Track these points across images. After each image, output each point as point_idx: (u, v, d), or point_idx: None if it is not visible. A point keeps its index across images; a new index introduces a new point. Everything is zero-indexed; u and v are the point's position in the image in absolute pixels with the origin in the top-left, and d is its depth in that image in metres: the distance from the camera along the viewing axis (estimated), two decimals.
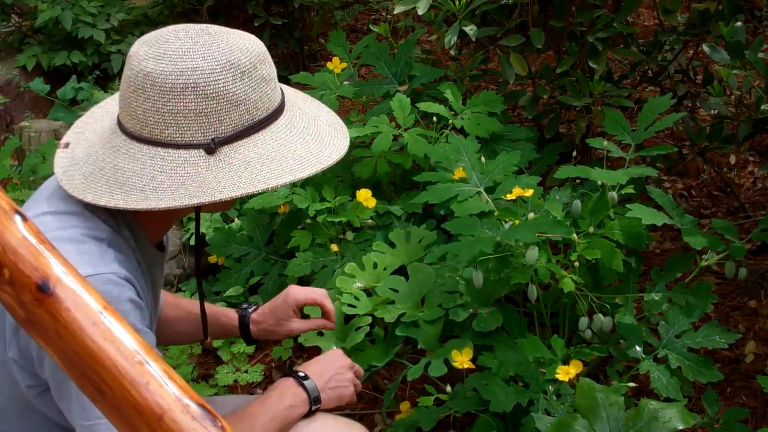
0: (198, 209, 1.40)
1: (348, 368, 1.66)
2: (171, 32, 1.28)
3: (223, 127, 1.24)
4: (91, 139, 1.34)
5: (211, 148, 1.23)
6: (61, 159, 1.33)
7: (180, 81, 1.22)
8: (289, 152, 1.28)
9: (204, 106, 1.23)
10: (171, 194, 1.22)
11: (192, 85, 1.22)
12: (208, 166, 1.23)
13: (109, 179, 1.25)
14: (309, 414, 1.55)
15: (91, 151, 1.31)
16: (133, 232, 1.34)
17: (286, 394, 1.53)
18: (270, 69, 1.32)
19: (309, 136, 1.33)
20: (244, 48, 1.27)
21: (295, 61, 4.79)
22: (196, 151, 1.24)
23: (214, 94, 1.23)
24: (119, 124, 1.30)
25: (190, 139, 1.24)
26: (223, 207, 1.45)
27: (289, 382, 1.56)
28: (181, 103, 1.22)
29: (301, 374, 1.56)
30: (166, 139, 1.24)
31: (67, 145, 1.36)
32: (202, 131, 1.24)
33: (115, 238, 1.28)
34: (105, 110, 1.40)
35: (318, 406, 1.55)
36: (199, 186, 1.22)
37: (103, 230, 1.27)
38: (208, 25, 1.31)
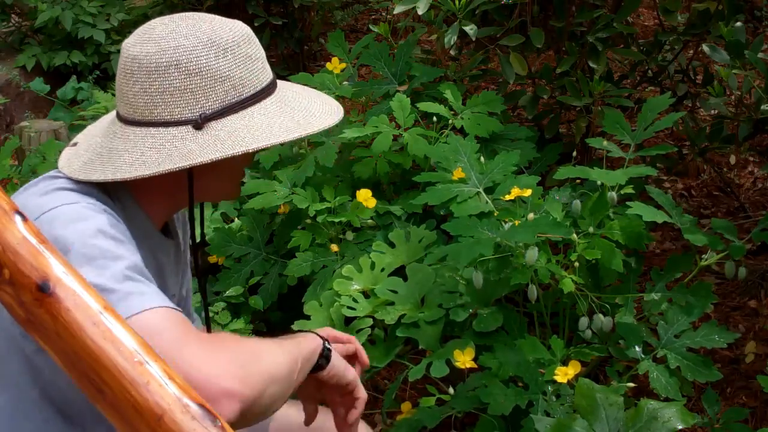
0: (191, 181, 1.35)
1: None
2: (158, 20, 1.34)
3: (210, 104, 1.27)
4: (94, 134, 1.39)
5: (199, 123, 1.26)
6: (65, 154, 1.38)
7: (164, 60, 1.26)
8: (276, 123, 1.30)
9: (188, 83, 1.26)
10: (157, 165, 1.24)
11: (175, 62, 1.26)
12: (195, 138, 1.26)
13: (104, 161, 1.29)
14: (325, 357, 1.37)
15: (92, 141, 1.36)
16: (129, 212, 1.34)
17: (291, 336, 1.37)
18: (256, 49, 1.34)
19: (299, 112, 1.34)
20: (226, 27, 1.31)
21: (295, 61, 4.79)
22: (184, 127, 1.27)
23: (197, 70, 1.26)
24: (117, 114, 1.35)
25: (179, 116, 1.27)
26: (220, 189, 1.42)
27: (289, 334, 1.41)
28: (167, 81, 1.26)
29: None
30: (156, 118, 1.28)
31: (74, 144, 1.40)
32: (190, 108, 1.27)
33: (104, 198, 1.29)
34: (113, 113, 1.42)
35: (332, 348, 1.39)
36: (183, 154, 1.25)
37: (91, 189, 1.28)
38: (196, 12, 1.35)
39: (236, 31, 1.32)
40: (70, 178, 1.29)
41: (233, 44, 1.30)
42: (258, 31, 4.73)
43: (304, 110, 1.35)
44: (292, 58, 4.79)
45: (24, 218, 0.95)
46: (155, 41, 1.28)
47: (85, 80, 4.92)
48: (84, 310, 0.92)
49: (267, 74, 1.36)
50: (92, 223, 1.19)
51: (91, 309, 0.93)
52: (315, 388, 1.45)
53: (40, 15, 4.82)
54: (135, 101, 1.29)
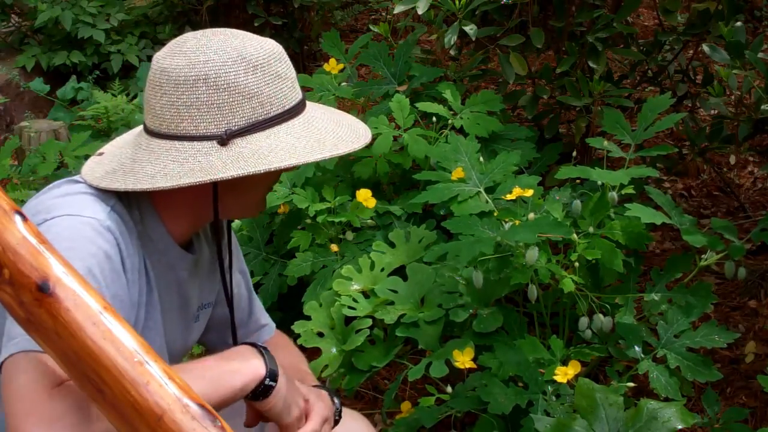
0: (215, 197, 1.32)
1: (303, 408, 1.36)
2: (191, 34, 1.33)
3: (236, 120, 1.26)
4: (120, 145, 1.39)
5: (224, 139, 1.25)
6: (89, 162, 1.37)
7: (192, 73, 1.26)
8: (300, 144, 1.29)
9: (216, 98, 1.25)
10: (178, 179, 1.23)
11: (203, 77, 1.25)
12: (219, 154, 1.25)
13: (126, 172, 1.28)
14: (262, 392, 1.27)
15: (117, 152, 1.36)
16: (148, 224, 1.33)
17: (234, 356, 1.28)
18: (286, 68, 1.34)
19: (326, 134, 1.33)
20: (257, 45, 1.30)
21: (295, 61, 4.77)
22: (209, 142, 1.26)
23: (225, 86, 1.25)
24: (144, 125, 1.34)
25: (204, 131, 1.26)
26: (242, 206, 1.39)
27: (245, 347, 1.31)
28: (194, 96, 1.25)
29: (262, 345, 1.33)
30: (182, 132, 1.27)
31: (100, 154, 1.40)
32: (216, 123, 1.26)
33: (119, 210, 1.28)
34: (141, 126, 1.42)
35: (272, 385, 1.27)
36: (204, 169, 1.24)
37: (110, 197, 1.28)
38: (229, 29, 1.34)
39: (267, 48, 1.31)
40: (91, 185, 1.29)
41: (263, 62, 1.29)
42: (258, 31, 4.73)
43: (331, 133, 1.34)
44: (292, 58, 4.77)
45: (24, 218, 0.95)
46: (185, 54, 1.27)
47: (85, 80, 4.92)
48: (84, 310, 0.92)
49: (296, 94, 1.34)
50: (83, 249, 1.17)
51: (91, 309, 0.93)
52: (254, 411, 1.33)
53: (40, 15, 4.82)
54: (162, 114, 1.28)
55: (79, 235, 1.20)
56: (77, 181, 1.30)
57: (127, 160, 1.31)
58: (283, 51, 1.35)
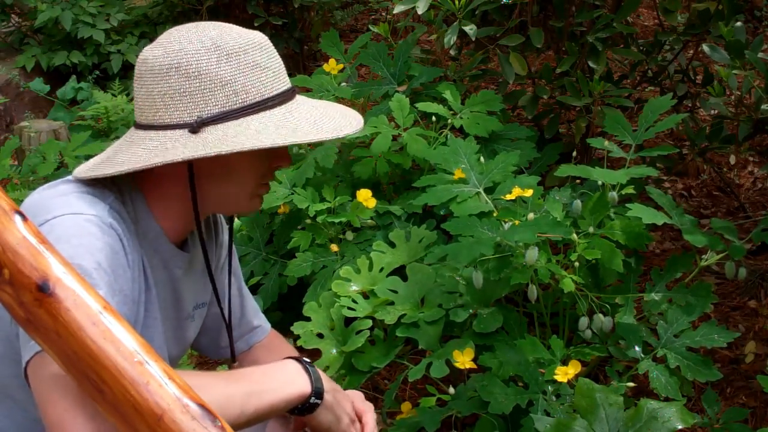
0: (193, 188, 1.31)
1: (349, 416, 1.39)
2: (179, 26, 1.32)
3: (209, 108, 1.25)
4: (118, 141, 1.41)
5: (195, 127, 1.25)
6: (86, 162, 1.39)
7: (166, 62, 1.26)
8: (269, 129, 1.26)
9: (188, 86, 1.25)
10: (135, 163, 1.24)
11: (176, 65, 1.25)
12: (186, 141, 1.24)
13: (104, 161, 1.30)
14: (302, 410, 1.31)
15: (108, 147, 1.38)
16: (142, 224, 1.34)
17: (279, 373, 1.30)
18: (267, 58, 1.31)
19: (303, 123, 1.29)
20: (236, 34, 1.29)
21: (295, 61, 4.79)
22: (181, 130, 1.26)
23: (196, 74, 1.25)
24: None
25: (178, 119, 1.26)
26: (227, 198, 1.36)
27: (291, 363, 1.33)
28: (167, 84, 1.25)
29: (307, 360, 1.35)
30: (158, 121, 1.27)
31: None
32: (188, 111, 1.25)
33: (117, 207, 1.29)
34: None
35: (317, 403, 1.31)
36: (162, 154, 1.23)
37: (107, 195, 1.28)
38: (219, 22, 1.33)
39: (247, 38, 1.29)
40: (87, 184, 1.29)
41: (239, 50, 1.27)
42: (258, 31, 4.74)
43: (309, 121, 1.29)
44: (292, 58, 4.79)
45: (24, 218, 0.95)
46: (163, 45, 1.28)
47: (85, 80, 4.92)
48: (84, 310, 0.92)
49: (279, 85, 1.31)
50: (87, 245, 1.18)
51: (91, 309, 0.93)
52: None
53: (39, 15, 4.82)
54: (142, 104, 1.29)
55: (85, 232, 1.20)
56: (72, 181, 1.30)
57: (111, 152, 1.32)
58: (268, 42, 1.32)
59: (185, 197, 1.33)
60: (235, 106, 1.26)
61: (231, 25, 1.32)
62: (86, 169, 1.31)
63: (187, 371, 1.28)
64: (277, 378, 1.28)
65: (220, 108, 1.25)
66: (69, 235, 1.17)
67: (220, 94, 1.25)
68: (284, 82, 1.33)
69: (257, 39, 1.31)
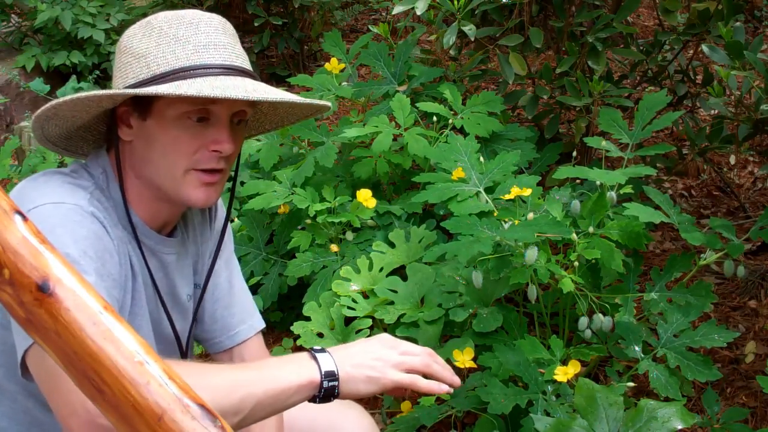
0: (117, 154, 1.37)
1: (395, 351, 1.36)
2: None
3: (129, 79, 1.33)
4: None
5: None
6: None
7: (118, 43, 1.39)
8: (166, 88, 1.26)
9: (119, 61, 1.36)
10: (59, 100, 1.35)
11: (119, 44, 1.38)
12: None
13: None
14: (324, 395, 1.29)
15: None
16: (120, 209, 1.37)
17: (288, 361, 1.30)
18: (193, 33, 1.31)
19: (209, 88, 1.26)
20: (171, 13, 1.35)
21: (295, 61, 4.79)
22: None
23: (124, 49, 1.35)
24: None
25: (113, 90, 1.34)
26: (155, 164, 1.35)
27: (300, 354, 1.32)
28: (114, 61, 1.39)
29: (317, 348, 1.33)
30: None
31: None
32: (118, 84, 1.35)
33: (98, 196, 1.34)
34: None
35: (334, 384, 1.28)
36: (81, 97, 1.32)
37: (87, 185, 1.34)
38: (196, 10, 1.39)
39: (178, 15, 1.34)
40: (68, 174, 1.36)
41: (164, 26, 1.33)
42: (258, 31, 4.74)
43: (225, 87, 1.25)
44: (292, 58, 4.79)
45: (24, 218, 0.95)
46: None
47: (85, 80, 4.92)
48: (84, 310, 0.92)
49: (201, 58, 1.30)
50: (78, 231, 1.23)
51: (91, 309, 0.93)
52: None
53: (39, 15, 4.82)
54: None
55: (68, 220, 1.24)
56: (53, 173, 1.35)
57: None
58: (207, 21, 1.33)
59: (144, 179, 1.37)
60: (146, 76, 1.31)
61: (195, 10, 1.37)
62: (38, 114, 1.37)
63: (190, 362, 1.31)
64: (285, 368, 1.27)
65: (135, 78, 1.32)
66: (52, 225, 1.21)
67: (136, 66, 1.33)
68: (214, 57, 1.31)
69: (190, 17, 1.34)
